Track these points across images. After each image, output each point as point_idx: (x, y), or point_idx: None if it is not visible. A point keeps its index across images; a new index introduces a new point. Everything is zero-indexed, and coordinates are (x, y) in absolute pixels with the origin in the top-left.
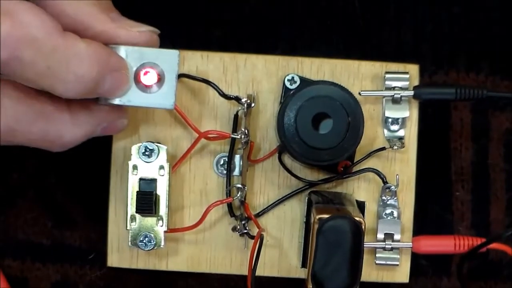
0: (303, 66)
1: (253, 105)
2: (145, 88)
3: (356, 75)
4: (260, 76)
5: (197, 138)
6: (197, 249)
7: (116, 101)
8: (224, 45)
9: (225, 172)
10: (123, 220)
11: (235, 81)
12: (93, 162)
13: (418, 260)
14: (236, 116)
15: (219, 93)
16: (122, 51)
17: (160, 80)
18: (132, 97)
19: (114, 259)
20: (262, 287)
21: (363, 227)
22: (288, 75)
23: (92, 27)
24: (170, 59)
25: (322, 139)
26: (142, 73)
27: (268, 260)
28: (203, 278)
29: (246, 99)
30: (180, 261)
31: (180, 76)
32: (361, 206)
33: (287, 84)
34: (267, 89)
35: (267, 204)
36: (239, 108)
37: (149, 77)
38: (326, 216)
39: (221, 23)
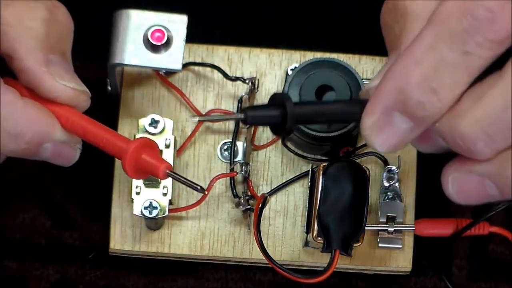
0: (306, 58)
1: (256, 90)
2: (154, 50)
3: (357, 69)
4: (264, 68)
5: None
6: (199, 232)
7: (126, 62)
8: (224, 44)
9: (229, 158)
10: (126, 204)
11: (239, 72)
12: (93, 161)
13: (418, 260)
14: (240, 101)
15: (223, 75)
16: (133, 14)
17: (169, 42)
18: (142, 58)
19: (117, 243)
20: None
21: (367, 173)
22: (291, 64)
23: (22, 60)
24: (178, 23)
25: None
26: (151, 34)
27: (270, 245)
28: (203, 279)
29: (250, 78)
30: (182, 244)
31: (186, 64)
32: None
33: (290, 73)
34: (271, 79)
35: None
36: (243, 94)
37: (158, 38)
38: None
39: (221, 23)
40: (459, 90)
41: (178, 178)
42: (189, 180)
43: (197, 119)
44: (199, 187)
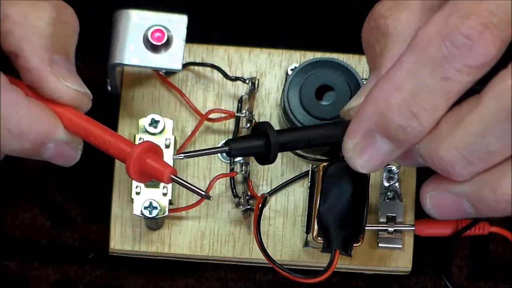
0: (306, 58)
1: (256, 90)
2: (154, 50)
3: (357, 69)
4: (264, 68)
5: (200, 120)
6: (199, 232)
7: (126, 62)
8: (224, 44)
9: (229, 158)
10: (126, 204)
11: (239, 72)
12: (93, 161)
13: (418, 260)
14: (240, 101)
15: (223, 75)
16: (133, 14)
17: (169, 42)
18: (142, 58)
19: (117, 243)
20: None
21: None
22: (291, 64)
23: (27, 59)
24: (178, 23)
25: (325, 110)
26: (151, 34)
27: (270, 245)
28: (203, 279)
29: (250, 78)
30: (182, 244)
31: (186, 64)
32: None
33: (290, 73)
34: (271, 79)
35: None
36: (243, 94)
37: (158, 38)
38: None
39: (221, 23)
40: (439, 114)
41: (183, 184)
42: (193, 186)
43: (182, 156)
44: (204, 193)
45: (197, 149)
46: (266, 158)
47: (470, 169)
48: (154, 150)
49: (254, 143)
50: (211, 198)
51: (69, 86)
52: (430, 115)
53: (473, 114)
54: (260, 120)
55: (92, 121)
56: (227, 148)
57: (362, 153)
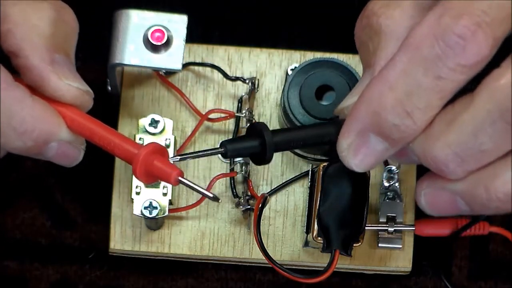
0: (306, 58)
1: (256, 90)
2: (154, 50)
3: (357, 69)
4: (264, 68)
5: (200, 120)
6: (199, 232)
7: (126, 62)
8: (224, 44)
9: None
10: (126, 204)
11: (239, 72)
12: (92, 162)
13: (418, 260)
14: (240, 101)
15: (223, 75)
16: (133, 14)
17: (169, 42)
18: (142, 58)
19: (117, 243)
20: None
21: (367, 173)
22: (291, 64)
23: (27, 58)
24: (178, 23)
25: (325, 110)
26: (151, 34)
27: (270, 245)
28: (203, 279)
29: (250, 78)
30: (182, 244)
31: (186, 64)
32: None
33: (290, 73)
34: (271, 79)
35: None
36: (243, 94)
37: (158, 38)
38: None
39: (221, 23)
40: (433, 113)
41: (190, 185)
42: (201, 188)
43: (178, 158)
44: (211, 195)
45: (193, 151)
46: (262, 158)
47: (463, 167)
48: (160, 152)
49: (250, 143)
50: (219, 201)
51: (70, 84)
52: (424, 113)
53: (466, 114)
54: (260, 120)
55: (97, 122)
56: (222, 149)
57: (357, 152)
